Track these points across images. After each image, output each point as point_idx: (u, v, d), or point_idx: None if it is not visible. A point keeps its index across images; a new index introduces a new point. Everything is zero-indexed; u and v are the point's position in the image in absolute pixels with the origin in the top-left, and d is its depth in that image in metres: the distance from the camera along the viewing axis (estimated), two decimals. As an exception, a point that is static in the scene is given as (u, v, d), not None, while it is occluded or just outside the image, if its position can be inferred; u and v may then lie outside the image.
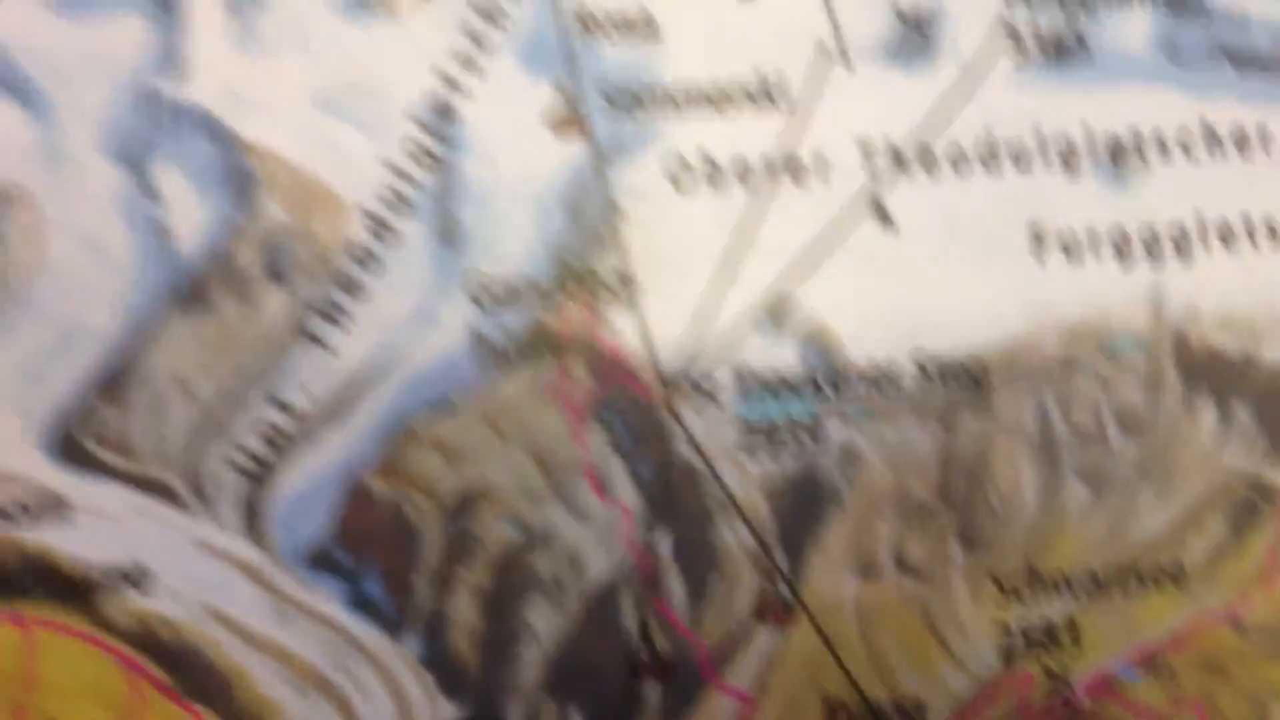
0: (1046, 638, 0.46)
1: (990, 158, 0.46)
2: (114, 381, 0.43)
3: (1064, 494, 0.46)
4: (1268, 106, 0.47)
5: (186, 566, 0.43)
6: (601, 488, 0.44)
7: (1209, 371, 0.47)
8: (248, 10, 0.44)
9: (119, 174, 0.43)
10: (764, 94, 0.45)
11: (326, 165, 0.43)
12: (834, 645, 0.45)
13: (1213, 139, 0.47)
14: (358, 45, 0.44)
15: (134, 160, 0.43)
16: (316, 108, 0.43)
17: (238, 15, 0.44)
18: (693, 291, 0.45)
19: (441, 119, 0.44)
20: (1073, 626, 0.46)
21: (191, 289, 0.43)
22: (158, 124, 0.43)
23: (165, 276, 0.43)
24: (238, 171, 0.43)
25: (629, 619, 0.44)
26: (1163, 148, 0.47)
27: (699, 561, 0.45)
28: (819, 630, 0.45)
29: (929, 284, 0.46)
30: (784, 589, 0.45)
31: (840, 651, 0.45)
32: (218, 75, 0.43)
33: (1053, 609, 0.46)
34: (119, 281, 0.43)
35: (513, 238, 0.44)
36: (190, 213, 0.43)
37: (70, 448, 0.42)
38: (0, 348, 0.42)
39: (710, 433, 0.45)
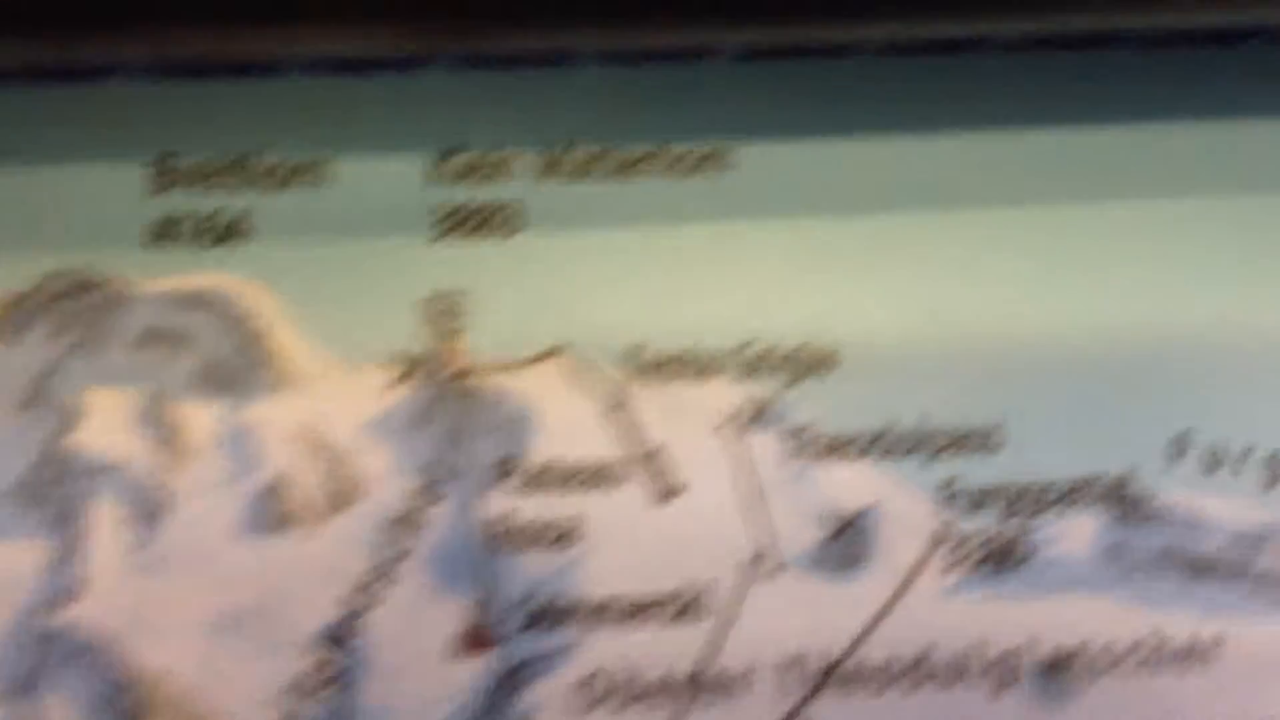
0: None
1: (919, 672, 0.44)
2: None
3: None
4: (1220, 614, 0.45)
5: None
6: None
7: None
8: (146, 531, 0.42)
9: (3, 707, 0.41)
10: (687, 605, 0.43)
11: (221, 691, 0.42)
12: None
13: (1162, 649, 0.44)
14: (260, 564, 0.42)
15: (20, 690, 0.41)
16: (214, 631, 0.42)
17: (137, 536, 0.42)
18: (603, 815, 0.42)
19: (344, 636, 0.42)
20: None
21: (73, 823, 0.41)
22: (48, 652, 0.42)
23: (45, 813, 0.41)
24: (128, 699, 0.42)
25: None
26: (1111, 658, 0.44)
27: None
28: None
29: (856, 808, 0.43)
30: None
31: None
32: (114, 599, 0.42)
33: None
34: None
35: (413, 763, 0.42)
36: (77, 743, 0.41)
37: None
38: None
39: None
